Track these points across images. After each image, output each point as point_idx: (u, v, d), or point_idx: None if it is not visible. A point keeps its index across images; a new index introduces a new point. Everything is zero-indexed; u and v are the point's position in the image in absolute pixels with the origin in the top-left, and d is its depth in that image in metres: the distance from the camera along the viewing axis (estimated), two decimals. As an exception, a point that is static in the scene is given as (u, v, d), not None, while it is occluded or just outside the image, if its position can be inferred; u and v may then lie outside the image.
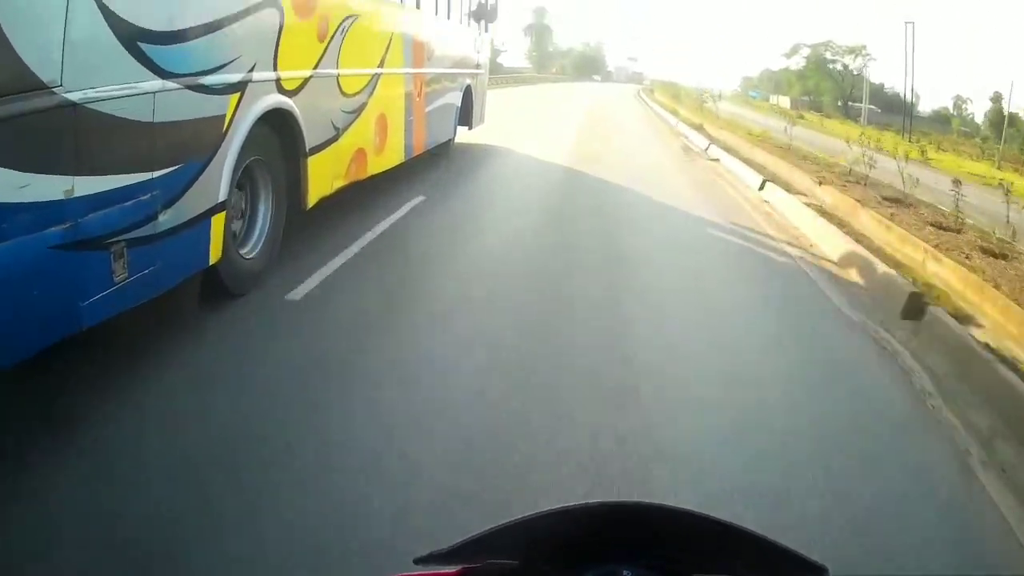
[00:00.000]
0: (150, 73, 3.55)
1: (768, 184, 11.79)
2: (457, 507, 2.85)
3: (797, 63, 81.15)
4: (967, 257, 7.61)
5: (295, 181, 5.69)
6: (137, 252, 3.50)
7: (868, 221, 8.94)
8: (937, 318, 5.42)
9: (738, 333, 5.40)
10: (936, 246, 7.67)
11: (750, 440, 3.73)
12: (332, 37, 6.12)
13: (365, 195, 7.84)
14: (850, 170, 13.16)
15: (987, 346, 5.00)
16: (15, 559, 2.45)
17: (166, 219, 3.77)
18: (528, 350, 4.61)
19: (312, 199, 5.96)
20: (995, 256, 7.96)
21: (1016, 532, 3.24)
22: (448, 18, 10.67)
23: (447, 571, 0.89)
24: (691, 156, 17.36)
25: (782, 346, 5.29)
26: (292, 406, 3.61)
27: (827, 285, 6.82)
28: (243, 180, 4.96)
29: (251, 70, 4.67)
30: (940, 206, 11.08)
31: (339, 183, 6.66)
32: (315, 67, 5.84)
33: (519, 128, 17.75)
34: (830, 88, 76.21)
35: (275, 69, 5.07)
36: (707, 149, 17.84)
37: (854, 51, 74.19)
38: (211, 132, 4.29)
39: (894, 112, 64.30)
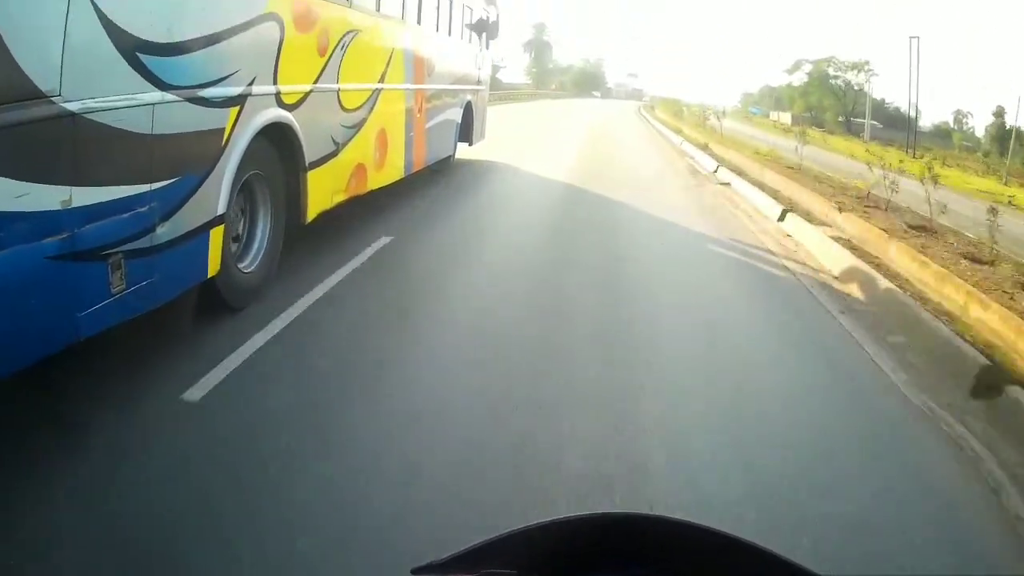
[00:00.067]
0: (149, 84, 3.57)
1: (788, 214, 10.65)
2: None
3: (799, 79, 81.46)
4: (1011, 298, 6.68)
5: (294, 195, 5.70)
6: (135, 264, 3.50)
7: (901, 257, 7.99)
8: (1017, 400, 4.38)
9: (792, 431, 4.07)
10: (976, 284, 6.81)
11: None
12: (332, 52, 6.17)
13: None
14: (868, 193, 12.36)
15: None
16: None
17: (164, 231, 3.78)
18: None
19: (312, 214, 5.97)
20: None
21: None
22: (449, 34, 10.76)
23: None
24: (699, 180, 15.98)
25: (844, 449, 3.94)
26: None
27: (877, 350, 5.49)
28: (242, 194, 4.98)
29: (251, 84, 4.70)
30: (965, 232, 10.41)
31: (339, 198, 6.68)
32: (315, 82, 5.88)
33: (517, 148, 17.04)
34: (832, 104, 76.48)
35: (275, 83, 5.11)
36: (716, 171, 16.81)
37: (857, 67, 74.51)
38: (210, 145, 4.31)
39: (895, 128, 64.58)
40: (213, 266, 4.40)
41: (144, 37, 3.51)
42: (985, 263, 8.24)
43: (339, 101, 6.50)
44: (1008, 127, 61.05)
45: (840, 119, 74.31)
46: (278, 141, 5.31)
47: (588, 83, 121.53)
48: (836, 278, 7.63)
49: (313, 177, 5.88)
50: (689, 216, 10.84)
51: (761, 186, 13.66)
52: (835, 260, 8.16)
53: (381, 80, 7.69)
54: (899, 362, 5.27)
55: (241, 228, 5.15)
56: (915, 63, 46.90)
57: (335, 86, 6.34)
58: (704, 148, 21.76)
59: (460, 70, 11.79)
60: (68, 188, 3.02)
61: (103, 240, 3.27)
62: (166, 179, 3.78)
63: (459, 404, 3.97)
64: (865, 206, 11.58)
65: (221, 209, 4.42)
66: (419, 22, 9.01)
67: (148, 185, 3.61)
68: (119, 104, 3.34)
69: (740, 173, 15.65)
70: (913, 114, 51.30)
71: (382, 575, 2.43)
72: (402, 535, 2.69)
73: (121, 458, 3.10)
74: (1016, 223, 9.79)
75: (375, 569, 2.51)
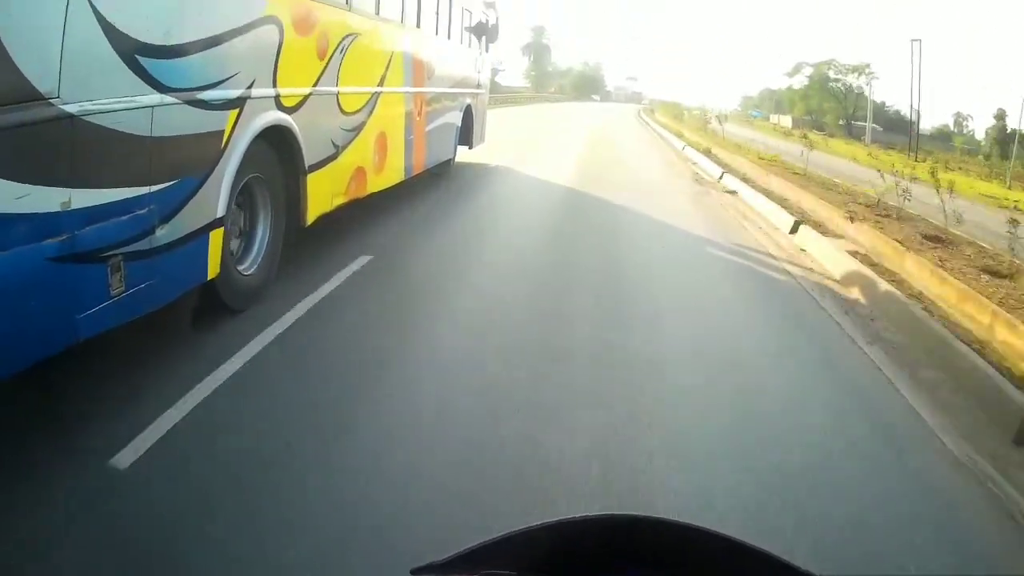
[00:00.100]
0: (148, 87, 3.58)
1: (801, 227, 10.03)
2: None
3: (800, 82, 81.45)
4: None
5: (294, 198, 5.71)
6: (134, 266, 3.51)
7: (919, 271, 7.56)
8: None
9: (822, 492, 3.52)
10: (1000, 302, 6.43)
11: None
12: (332, 55, 6.18)
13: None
14: (878, 201, 12.05)
15: None
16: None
17: (163, 233, 3.79)
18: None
19: (311, 216, 5.98)
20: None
21: None
22: (449, 38, 10.77)
23: None
24: (705, 187, 15.11)
25: (884, 520, 3.31)
26: None
27: (912, 392, 4.87)
28: (242, 196, 4.99)
29: (250, 86, 4.71)
30: (980, 242, 10.11)
31: (338, 200, 6.69)
32: (315, 84, 5.89)
33: (517, 153, 16.98)
34: (833, 107, 76.48)
35: (274, 86, 5.12)
36: (721, 178, 16.12)
37: (858, 69, 74.50)
38: (209, 147, 4.31)
39: (895, 131, 64.61)
40: (212, 268, 4.41)
41: (143, 39, 3.52)
42: (1004, 276, 7.94)
43: (339, 104, 6.52)
44: (1009, 130, 61.18)
45: (840, 122, 74.34)
46: (278, 144, 5.32)
47: (587, 86, 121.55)
48: (859, 301, 6.96)
49: (313, 180, 5.89)
50: (697, 228, 10.10)
51: (768, 194, 13.07)
52: (854, 279, 7.52)
53: (381, 83, 7.70)
54: (935, 403, 4.70)
55: (241, 231, 5.15)
56: (917, 66, 46.77)
57: (335, 89, 6.35)
58: (707, 153, 21.26)
59: (460, 73, 11.81)
60: (67, 190, 3.03)
61: (102, 242, 3.28)
62: (165, 181, 3.78)
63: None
64: (876, 214, 11.21)
65: (220, 212, 4.43)
66: (419, 25, 9.03)
67: (147, 187, 3.62)
68: (118, 106, 3.34)
69: (746, 180, 15.12)
70: (915, 118, 51.18)
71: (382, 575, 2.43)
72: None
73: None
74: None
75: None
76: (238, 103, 4.57)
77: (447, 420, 3.83)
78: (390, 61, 7.97)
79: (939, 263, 7.87)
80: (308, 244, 6.35)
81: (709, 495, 3.34)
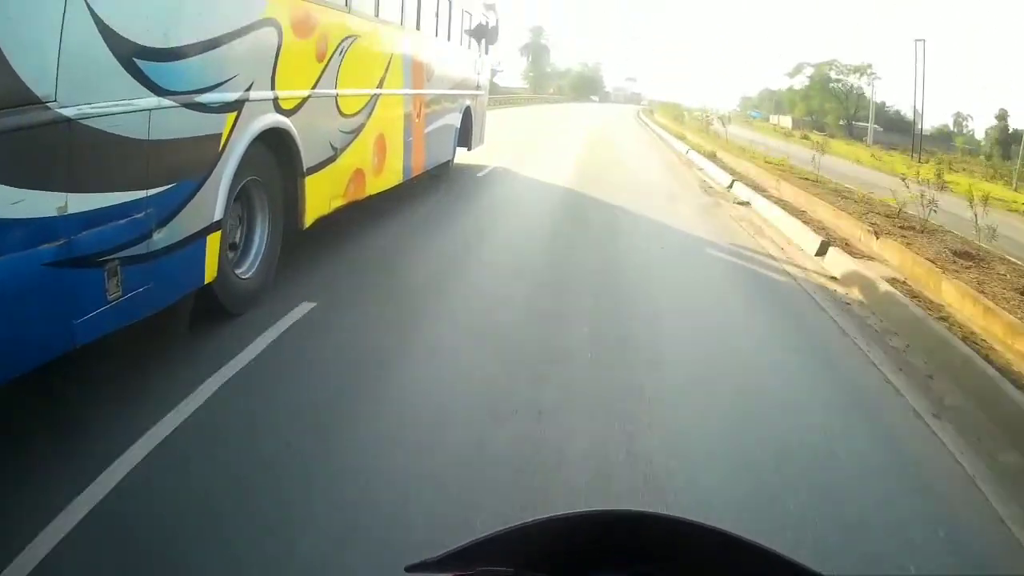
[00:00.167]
0: (146, 90, 3.58)
1: (830, 249, 8.76)
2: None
3: (800, 82, 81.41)
4: None
5: (292, 201, 5.71)
6: (131, 270, 3.51)
7: (960, 300, 6.74)
8: None
9: None
10: None
11: None
12: (331, 57, 6.18)
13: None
14: (899, 211, 11.26)
15: None
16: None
17: (161, 237, 3.79)
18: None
19: (309, 219, 5.98)
20: None
21: None
22: (448, 39, 10.78)
23: None
24: (714, 197, 13.73)
25: None
26: None
27: (994, 495, 3.70)
28: (240, 199, 4.98)
29: (248, 89, 4.71)
30: (1010, 257, 9.55)
31: (337, 203, 6.69)
32: (313, 87, 5.88)
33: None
34: (834, 108, 76.48)
35: (273, 88, 5.12)
36: (731, 186, 14.88)
37: (859, 70, 74.49)
38: (207, 151, 4.31)
39: (895, 131, 64.67)
40: (210, 272, 4.40)
41: (141, 42, 3.52)
42: None
43: (337, 106, 6.51)
44: (1011, 130, 61.27)
45: (841, 123, 74.35)
46: (276, 146, 5.32)
47: (586, 87, 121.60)
48: (911, 353, 5.65)
49: (311, 182, 5.89)
50: (712, 248, 8.92)
51: (783, 204, 12.02)
52: (900, 319, 6.28)
53: (380, 85, 7.70)
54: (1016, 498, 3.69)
55: (239, 234, 5.15)
56: (921, 66, 46.76)
57: (333, 91, 6.35)
58: (712, 157, 20.21)
59: (459, 75, 11.81)
60: (64, 194, 3.03)
61: (99, 246, 3.28)
62: (163, 185, 3.78)
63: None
64: (898, 226, 10.46)
65: (218, 215, 4.43)
66: (418, 27, 9.03)
67: (144, 191, 3.62)
68: (115, 110, 3.34)
69: (757, 189, 14.00)
70: (919, 119, 51.21)
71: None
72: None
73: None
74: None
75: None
76: (236, 106, 4.57)
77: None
78: (389, 63, 7.97)
79: (978, 287, 7.11)
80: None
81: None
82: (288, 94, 5.36)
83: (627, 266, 7.86)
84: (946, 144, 59.87)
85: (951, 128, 71.40)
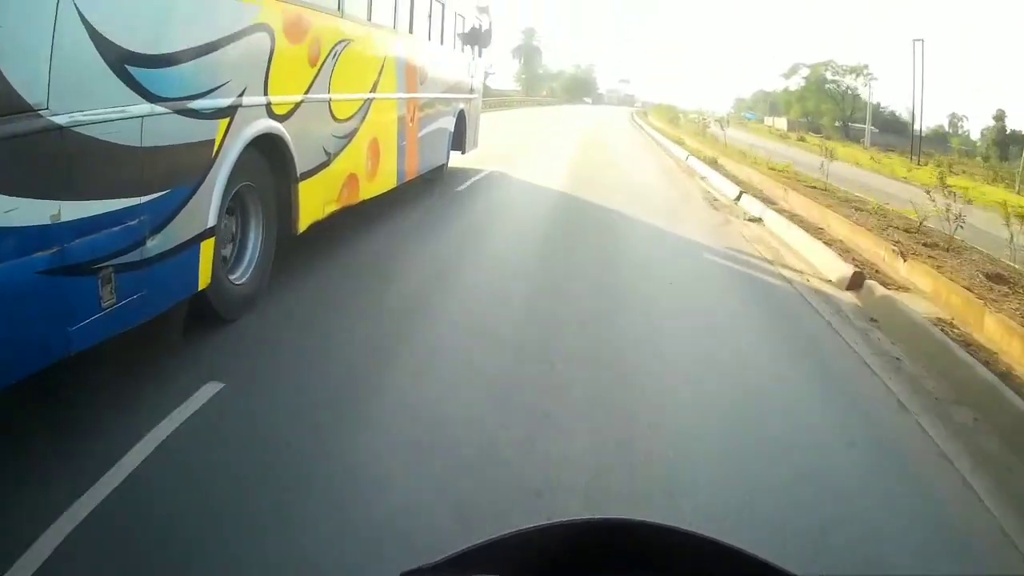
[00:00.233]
0: (138, 97, 3.60)
1: (866, 283, 7.49)
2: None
3: (796, 83, 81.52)
4: None
5: (286, 206, 5.72)
6: (125, 277, 3.52)
7: (1007, 338, 5.92)
8: None
9: None
10: None
11: None
12: (324, 62, 6.20)
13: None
14: (919, 226, 10.49)
15: None
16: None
17: (154, 244, 3.80)
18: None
19: (303, 224, 6.00)
20: None
21: None
22: (441, 43, 10.80)
23: None
24: (722, 213, 12.30)
25: None
26: None
27: None
28: (233, 205, 5.00)
29: (241, 95, 4.73)
30: None
31: (331, 208, 6.70)
32: (306, 92, 5.90)
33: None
34: (830, 109, 76.61)
35: (265, 94, 5.13)
36: (739, 199, 13.55)
37: (856, 71, 74.63)
38: (200, 157, 4.32)
39: (891, 132, 64.87)
40: (204, 279, 4.41)
41: (132, 49, 3.53)
42: None
43: (331, 111, 6.53)
44: (1009, 131, 61.47)
45: (836, 124, 74.50)
46: (269, 152, 5.33)
47: (579, 89, 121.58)
48: (975, 421, 4.64)
49: (305, 188, 5.90)
50: (730, 285, 7.72)
51: (799, 221, 10.97)
52: (958, 382, 5.17)
53: (373, 89, 7.72)
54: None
55: (233, 240, 5.16)
56: (919, 67, 46.79)
57: (326, 96, 6.37)
58: (713, 164, 19.19)
59: (453, 79, 11.83)
60: (57, 202, 3.04)
61: (93, 254, 3.29)
62: (156, 192, 3.79)
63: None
64: (921, 243, 9.71)
65: (211, 221, 4.44)
66: (411, 31, 9.05)
67: (138, 198, 3.63)
68: (108, 117, 3.36)
69: (767, 201, 12.86)
70: (917, 120, 51.17)
71: None
72: None
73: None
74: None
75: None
76: (229, 112, 4.58)
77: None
78: (383, 67, 7.99)
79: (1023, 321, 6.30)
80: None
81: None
82: (281, 99, 5.38)
83: (631, 308, 6.37)
84: (942, 145, 59.94)
85: (946, 129, 71.58)
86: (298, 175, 5.77)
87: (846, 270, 7.90)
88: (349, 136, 7.02)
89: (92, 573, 2.59)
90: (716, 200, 13.93)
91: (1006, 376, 5.27)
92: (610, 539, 0.92)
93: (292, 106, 5.60)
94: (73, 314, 3.20)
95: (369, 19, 7.43)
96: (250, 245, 5.34)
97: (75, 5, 3.09)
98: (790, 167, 19.33)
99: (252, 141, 4.90)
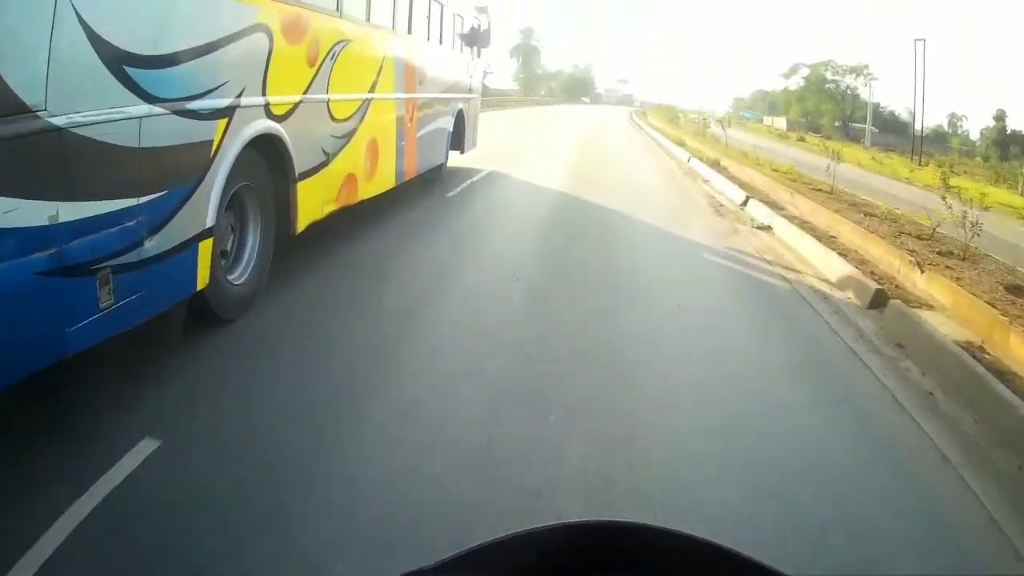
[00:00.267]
0: (136, 98, 3.60)
1: (890, 303, 6.83)
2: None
3: (796, 83, 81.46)
4: None
5: (284, 206, 5.73)
6: (123, 278, 3.53)
7: None
8: None
9: None
10: None
11: None
12: (322, 62, 6.21)
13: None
14: (932, 232, 10.15)
15: None
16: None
17: (152, 245, 3.81)
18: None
19: (302, 224, 6.01)
20: None
21: None
22: (440, 43, 10.81)
23: None
24: (728, 219, 11.71)
25: None
26: None
27: None
28: (232, 206, 5.00)
29: (239, 95, 4.74)
30: None
31: (329, 208, 6.71)
32: (305, 92, 5.91)
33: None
34: (830, 109, 76.59)
35: (264, 94, 5.14)
36: (745, 204, 12.92)
37: (856, 70, 74.60)
38: (198, 158, 4.33)
39: (890, 132, 64.90)
40: (202, 279, 4.42)
41: (131, 49, 3.54)
42: None
43: (329, 111, 6.54)
44: (1009, 131, 61.50)
45: (836, 124, 74.49)
46: (267, 152, 5.34)
47: (577, 88, 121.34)
48: (1020, 469, 4.12)
49: (303, 188, 5.91)
50: (743, 306, 7.03)
51: (810, 229, 10.36)
52: (1001, 424, 4.58)
53: (372, 89, 7.73)
54: None
55: (231, 240, 5.17)
56: (920, 66, 46.79)
57: (325, 96, 6.38)
58: (716, 166, 18.70)
59: (451, 79, 11.84)
60: (55, 203, 3.05)
61: (91, 255, 3.30)
62: (154, 192, 3.80)
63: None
64: (936, 252, 9.32)
65: (210, 222, 4.45)
66: (410, 31, 9.06)
67: (136, 199, 3.64)
68: (106, 118, 3.37)
69: (774, 207, 12.25)
70: (917, 120, 51.13)
71: None
72: None
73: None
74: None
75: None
76: (227, 112, 4.59)
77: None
78: (381, 67, 8.00)
79: None
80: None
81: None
82: (279, 100, 5.38)
83: (634, 338, 5.58)
84: (941, 145, 59.96)
85: (946, 129, 71.58)
86: (296, 175, 5.78)
87: (867, 286, 7.28)
88: (348, 136, 7.03)
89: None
90: (721, 206, 13.17)
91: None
92: (611, 541, 0.93)
93: (291, 106, 5.61)
94: (71, 315, 3.21)
95: (368, 19, 7.44)
96: (248, 245, 5.35)
97: (73, 6, 3.10)
98: (793, 169, 18.96)
99: (250, 141, 4.91)
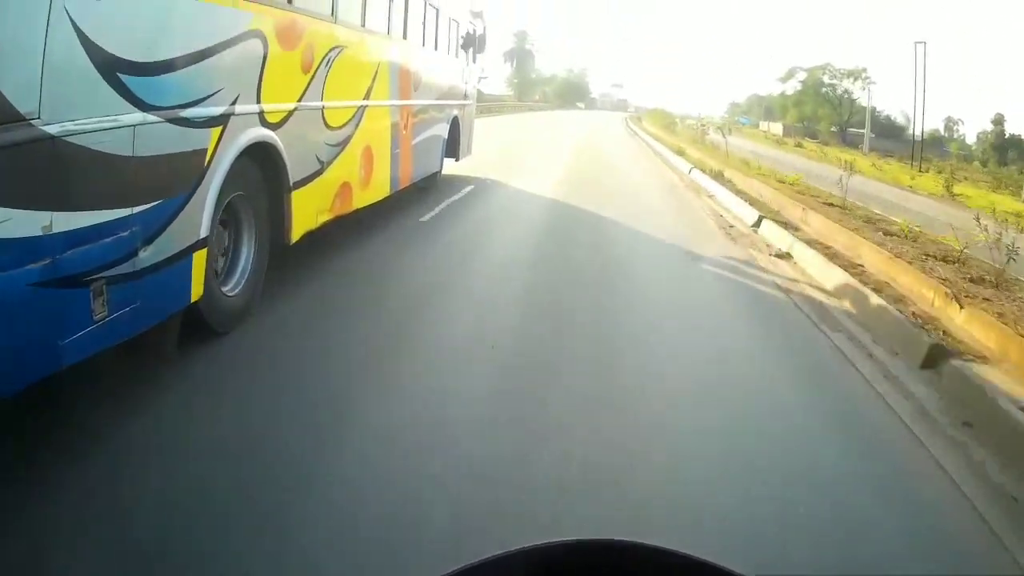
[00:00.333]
0: (130, 106, 3.59)
1: (950, 363, 5.65)
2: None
3: (793, 87, 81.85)
4: None
5: (279, 216, 5.72)
6: (117, 289, 3.50)
7: None
8: None
9: None
10: None
11: None
12: (317, 69, 6.21)
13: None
14: (960, 255, 9.32)
15: None
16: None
17: (146, 256, 3.79)
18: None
19: (296, 234, 5.99)
20: None
21: None
22: (435, 49, 10.84)
23: None
24: (741, 244, 10.48)
25: None
26: None
27: None
28: (226, 216, 4.99)
29: (234, 103, 4.73)
30: None
31: (324, 217, 6.70)
32: (299, 99, 5.91)
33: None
34: (827, 114, 76.97)
35: (258, 102, 5.13)
36: (758, 225, 11.88)
37: (854, 74, 75.01)
38: (192, 166, 4.32)
39: (887, 137, 65.31)
40: (196, 290, 4.40)
41: (124, 57, 3.53)
42: None
43: (324, 119, 6.54)
44: (1008, 135, 61.98)
45: (833, 129, 74.88)
46: (262, 161, 5.33)
47: (572, 93, 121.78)
48: None
49: (298, 197, 5.90)
50: (772, 366, 5.73)
51: (834, 255, 9.42)
52: None
53: (367, 96, 7.74)
54: None
55: (225, 251, 5.16)
56: (920, 70, 47.07)
57: (320, 104, 6.37)
58: (720, 178, 17.75)
59: (446, 85, 11.88)
60: (49, 213, 3.03)
61: (85, 266, 3.28)
62: (148, 202, 3.79)
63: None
64: (967, 279, 8.44)
65: (204, 232, 4.43)
66: (405, 37, 9.08)
67: (130, 209, 3.62)
68: (100, 126, 3.35)
69: (789, 226, 11.42)
70: (917, 125, 51.31)
71: None
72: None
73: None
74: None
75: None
76: (221, 120, 4.58)
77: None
78: (376, 74, 8.01)
79: None
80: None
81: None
82: (274, 107, 5.38)
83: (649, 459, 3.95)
84: (938, 149, 60.36)
85: (942, 133, 72.05)
86: (291, 184, 5.76)
87: (916, 339, 6.08)
88: (342, 144, 7.03)
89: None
90: (731, 227, 12.04)
91: None
92: (606, 560, 0.92)
93: (285, 114, 5.60)
94: (65, 327, 3.18)
95: (363, 25, 7.45)
96: (243, 256, 5.32)
97: (67, 13, 3.09)
98: (800, 180, 17.95)
99: (245, 150, 4.89)
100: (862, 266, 9.00)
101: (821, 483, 3.89)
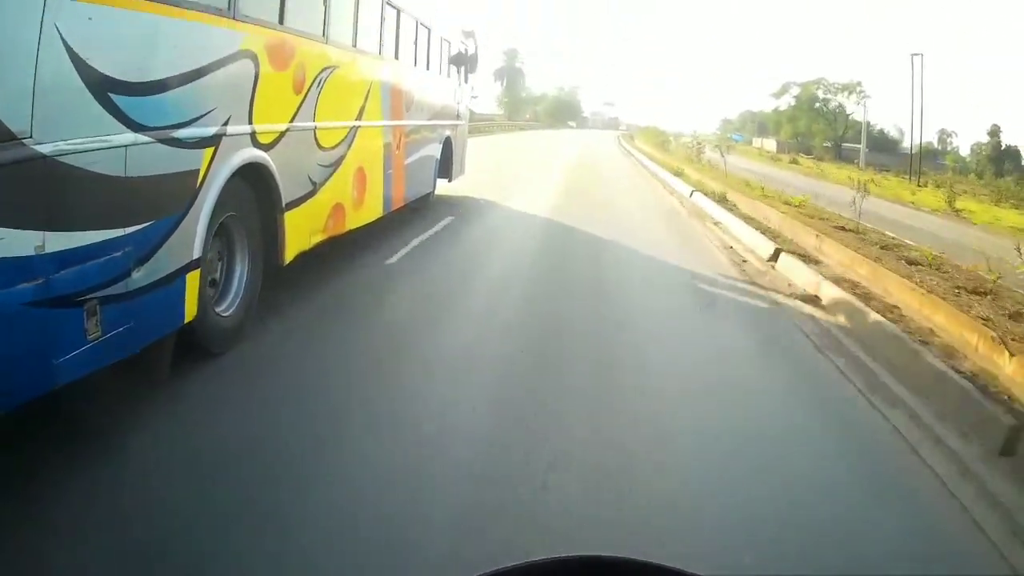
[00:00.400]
0: (122, 126, 3.63)
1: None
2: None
3: (786, 103, 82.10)
4: None
5: (272, 237, 5.75)
6: (111, 310, 3.53)
7: None
8: None
9: None
10: None
11: None
12: (309, 89, 6.26)
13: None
14: (993, 285, 8.73)
15: None
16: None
17: (140, 276, 3.81)
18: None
19: (289, 255, 6.02)
20: None
21: None
22: (427, 69, 10.93)
23: None
24: (758, 286, 9.05)
25: None
26: None
27: None
28: (219, 236, 5.02)
29: (226, 123, 4.77)
30: None
31: (317, 238, 6.73)
32: (291, 120, 5.95)
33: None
34: (822, 129, 77.22)
35: (250, 122, 5.18)
36: (775, 259, 10.57)
37: (848, 88, 75.33)
38: (185, 187, 4.35)
39: (881, 151, 65.59)
40: (190, 311, 4.42)
41: (116, 77, 3.58)
42: None
43: (316, 139, 6.58)
44: (1004, 146, 62.34)
45: (827, 144, 75.16)
46: (254, 182, 5.36)
47: (563, 112, 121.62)
48: None
49: (290, 218, 5.93)
50: (825, 467, 4.39)
51: (864, 294, 8.37)
52: None
53: (359, 117, 7.79)
54: None
55: (218, 271, 5.17)
56: (918, 83, 47.33)
57: (312, 124, 6.42)
58: (723, 201, 16.56)
59: (439, 105, 11.96)
60: (41, 233, 3.06)
61: (78, 286, 3.30)
62: (141, 223, 3.82)
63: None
64: (1006, 315, 7.79)
65: (197, 252, 4.46)
66: (397, 57, 9.16)
67: (123, 229, 3.65)
68: (92, 146, 3.39)
69: (807, 259, 10.37)
70: (914, 138, 51.42)
71: None
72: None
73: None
74: None
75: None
76: (213, 141, 4.62)
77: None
78: (368, 94, 8.08)
79: None
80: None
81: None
82: (266, 128, 5.42)
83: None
84: (932, 162, 60.58)
85: (935, 145, 72.38)
86: (284, 205, 5.80)
87: (992, 418, 4.90)
88: (335, 165, 7.07)
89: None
90: (745, 261, 10.67)
91: None
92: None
93: (277, 135, 5.65)
94: (58, 347, 3.20)
95: (354, 45, 7.52)
96: (236, 277, 5.35)
97: (58, 32, 3.14)
98: (807, 201, 16.95)
99: (237, 171, 4.93)
100: (898, 307, 8.00)
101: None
